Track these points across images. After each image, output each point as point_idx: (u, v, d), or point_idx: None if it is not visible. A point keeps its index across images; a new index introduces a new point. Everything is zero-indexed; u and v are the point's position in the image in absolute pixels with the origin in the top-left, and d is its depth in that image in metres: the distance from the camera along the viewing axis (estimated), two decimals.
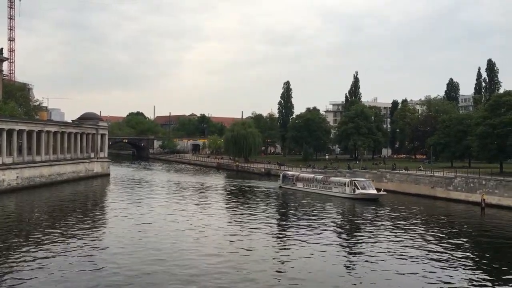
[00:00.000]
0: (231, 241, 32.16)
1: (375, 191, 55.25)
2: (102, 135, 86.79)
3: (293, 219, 41.77)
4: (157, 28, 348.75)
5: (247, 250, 29.72)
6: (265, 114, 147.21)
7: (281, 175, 70.34)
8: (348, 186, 56.35)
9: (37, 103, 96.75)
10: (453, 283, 24.06)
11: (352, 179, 58.43)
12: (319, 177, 63.59)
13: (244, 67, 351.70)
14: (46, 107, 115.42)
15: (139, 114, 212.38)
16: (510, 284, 24.10)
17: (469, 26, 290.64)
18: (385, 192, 55.82)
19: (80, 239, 31.90)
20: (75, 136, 76.50)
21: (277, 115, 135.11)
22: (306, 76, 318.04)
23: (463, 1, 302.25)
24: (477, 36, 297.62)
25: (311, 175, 65.90)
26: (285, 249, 30.25)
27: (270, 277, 24.19)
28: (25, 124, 63.36)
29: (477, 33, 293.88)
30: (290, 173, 70.24)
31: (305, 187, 63.33)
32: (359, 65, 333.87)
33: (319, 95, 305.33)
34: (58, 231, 34.44)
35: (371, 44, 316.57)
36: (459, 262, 27.97)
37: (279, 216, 44.43)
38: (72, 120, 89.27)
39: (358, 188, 55.06)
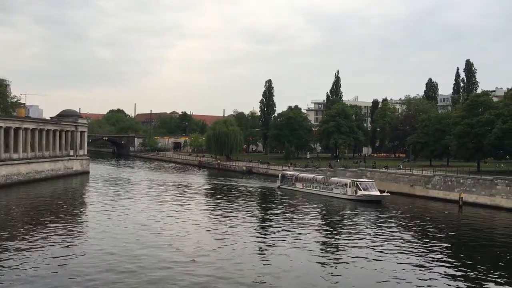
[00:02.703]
0: (218, 242, 31.81)
1: (378, 193, 53.03)
2: (82, 133, 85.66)
3: (286, 222, 39.30)
4: (138, 26, 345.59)
5: (231, 255, 28.50)
6: (247, 112, 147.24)
7: (279, 175, 67.89)
8: (349, 187, 53.96)
9: (15, 99, 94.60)
10: (430, 281, 24.42)
11: (354, 179, 55.88)
12: (319, 177, 61.29)
13: (226, 66, 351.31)
14: (24, 103, 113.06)
15: (120, 111, 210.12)
16: (486, 279, 24.57)
17: (448, 27, 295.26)
18: (388, 194, 53.22)
19: (57, 238, 31.40)
20: (53, 133, 75.28)
21: (259, 113, 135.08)
22: (288, 75, 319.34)
23: (443, 3, 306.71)
24: (456, 37, 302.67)
25: (311, 175, 63.35)
26: (270, 255, 28.96)
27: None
28: (2, 121, 62.10)
29: (456, 35, 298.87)
30: (289, 173, 67.68)
31: (304, 187, 61.10)
32: (341, 65, 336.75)
33: (301, 93, 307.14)
34: (35, 229, 33.88)
35: (352, 44, 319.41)
36: (436, 260, 28.37)
37: (272, 219, 41.44)
38: (50, 117, 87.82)
39: (360, 189, 52.75)
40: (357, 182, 54.08)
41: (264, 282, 23.43)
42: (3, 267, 24.79)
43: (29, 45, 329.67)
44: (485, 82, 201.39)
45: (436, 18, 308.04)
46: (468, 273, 25.97)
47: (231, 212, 44.28)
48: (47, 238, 31.36)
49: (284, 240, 32.50)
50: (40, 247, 28.84)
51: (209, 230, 35.48)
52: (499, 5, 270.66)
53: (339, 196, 54.89)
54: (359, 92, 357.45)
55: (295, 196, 57.35)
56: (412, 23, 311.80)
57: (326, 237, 34.78)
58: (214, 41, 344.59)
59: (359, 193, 52.74)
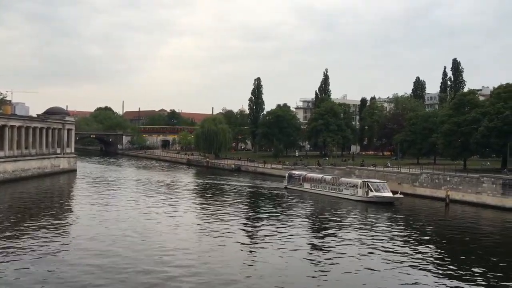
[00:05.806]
0: (217, 243, 31.32)
1: (390, 194, 50.76)
2: (69, 130, 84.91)
3: (291, 225, 37.17)
4: (130, 22, 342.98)
5: (227, 255, 28.06)
6: (236, 110, 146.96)
7: (286, 174, 65.19)
8: (360, 188, 51.97)
9: (1, 96, 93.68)
10: (416, 279, 24.60)
11: (365, 180, 53.55)
12: (328, 177, 58.73)
13: (216, 63, 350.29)
14: (10, 101, 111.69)
15: (108, 109, 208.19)
16: (472, 277, 24.84)
17: (437, 26, 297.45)
18: (401, 195, 51.02)
19: (43, 237, 31.08)
20: (40, 131, 74.52)
21: (248, 111, 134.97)
22: (278, 73, 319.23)
23: (434, 1, 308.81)
24: (445, 35, 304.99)
25: (320, 175, 60.78)
26: (261, 257, 28.77)
27: None
28: None
29: (445, 33, 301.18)
30: (296, 172, 64.81)
31: (312, 188, 59.03)
32: (331, 63, 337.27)
33: (290, 91, 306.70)
34: (20, 229, 33.50)
35: (343, 42, 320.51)
36: (423, 258, 28.55)
37: (277, 221, 38.75)
38: (37, 115, 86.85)
39: (371, 190, 50.73)
40: (368, 183, 51.94)
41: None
42: None
43: (17, 42, 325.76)
44: (472, 81, 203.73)
45: (428, 16, 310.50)
46: (452, 270, 26.24)
47: (228, 211, 43.21)
48: (32, 236, 31.00)
49: (282, 241, 31.43)
50: (26, 245, 28.50)
51: (206, 232, 34.53)
52: (491, 5, 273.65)
53: (349, 198, 52.78)
54: (347, 90, 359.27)
55: (303, 197, 54.80)
56: (403, 21, 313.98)
57: (327, 242, 32.92)
58: (206, 38, 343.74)
59: (370, 194, 50.74)
